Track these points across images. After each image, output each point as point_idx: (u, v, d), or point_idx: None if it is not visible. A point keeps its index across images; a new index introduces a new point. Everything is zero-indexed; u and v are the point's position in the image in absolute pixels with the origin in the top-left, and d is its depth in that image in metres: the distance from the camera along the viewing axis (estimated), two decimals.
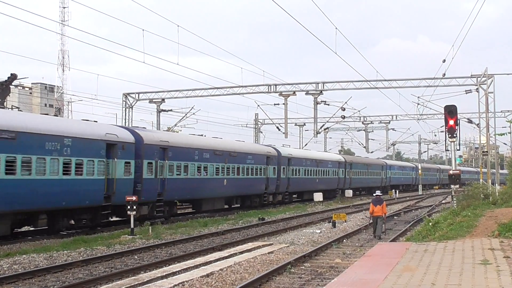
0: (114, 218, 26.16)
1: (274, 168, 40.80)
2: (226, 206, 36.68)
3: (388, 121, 62.09)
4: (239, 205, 37.83)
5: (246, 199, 38.14)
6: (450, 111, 24.83)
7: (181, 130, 49.03)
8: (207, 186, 31.35)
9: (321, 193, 44.86)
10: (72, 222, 22.81)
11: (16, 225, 21.10)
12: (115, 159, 23.76)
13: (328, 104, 44.14)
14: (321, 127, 50.39)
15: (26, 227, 22.58)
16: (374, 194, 23.34)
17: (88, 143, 22.42)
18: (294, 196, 47.19)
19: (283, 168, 42.44)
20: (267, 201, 40.23)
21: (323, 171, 50.89)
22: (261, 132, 59.93)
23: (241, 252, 17.34)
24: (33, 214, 20.56)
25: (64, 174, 21.04)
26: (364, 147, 64.93)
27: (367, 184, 64.25)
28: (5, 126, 18.75)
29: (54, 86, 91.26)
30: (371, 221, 22.76)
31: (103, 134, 23.47)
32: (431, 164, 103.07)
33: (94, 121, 26.12)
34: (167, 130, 44.53)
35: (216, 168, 32.45)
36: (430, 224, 21.16)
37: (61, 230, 22.14)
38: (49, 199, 20.61)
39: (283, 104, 40.88)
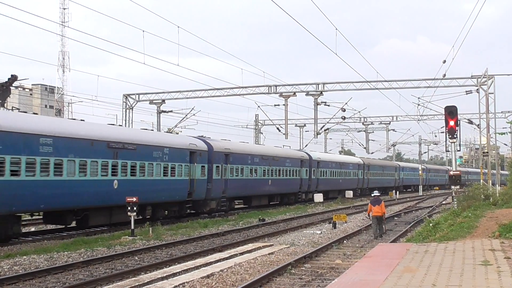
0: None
1: (306, 170, 47.04)
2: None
3: (388, 122, 62.14)
4: (278, 202, 43.40)
5: (284, 196, 44.32)
6: (451, 112, 24.82)
7: (181, 131, 49.09)
8: (257, 185, 38.78)
9: (321, 194, 44.95)
10: (166, 213, 29.20)
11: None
12: (195, 164, 30.38)
13: (329, 105, 44.18)
14: (321, 128, 50.45)
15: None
16: (372, 195, 23.51)
17: (178, 151, 29.16)
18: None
19: (313, 170, 48.70)
20: (300, 199, 46.43)
21: (346, 172, 57.22)
22: (262, 133, 59.99)
23: (242, 253, 17.34)
24: (143, 206, 26.27)
25: (164, 175, 27.60)
26: (365, 148, 64.97)
27: (383, 184, 68.80)
28: (130, 140, 25.56)
29: (55, 87, 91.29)
30: (370, 221, 22.99)
31: (187, 144, 30.32)
32: (439, 166, 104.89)
33: (176, 133, 38.13)
34: (167, 131, 44.57)
35: (263, 170, 39.35)
36: (431, 225, 21.15)
37: (159, 219, 27.90)
38: (155, 194, 27.06)
39: (283, 105, 40.92)
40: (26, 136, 19.46)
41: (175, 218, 29.30)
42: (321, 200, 44.14)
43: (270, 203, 42.02)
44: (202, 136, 34.35)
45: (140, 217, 26.48)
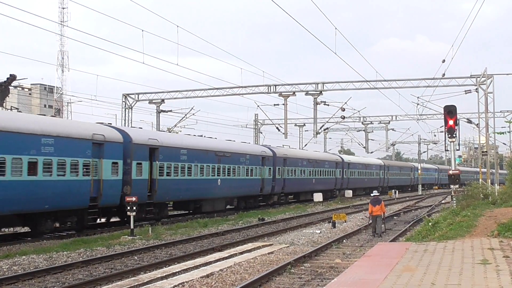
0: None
1: (340, 171, 54.11)
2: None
3: (387, 121, 62.13)
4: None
5: (324, 192, 48.22)
6: (450, 111, 24.84)
7: (180, 131, 49.08)
8: (305, 183, 46.19)
9: (321, 194, 44.96)
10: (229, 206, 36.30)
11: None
12: (265, 166, 38.87)
13: (328, 105, 44.20)
14: (320, 128, 50.44)
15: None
16: (371, 195, 24.18)
17: (255, 157, 38.31)
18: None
19: (345, 170, 55.56)
20: (335, 194, 53.33)
21: (369, 172, 63.98)
22: (261, 133, 59.99)
23: (241, 253, 17.35)
24: (232, 198, 36.18)
25: (246, 175, 36.36)
26: (364, 147, 64.98)
27: (400, 183, 75.45)
28: (227, 149, 34.72)
29: (54, 87, 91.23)
30: (370, 221, 23.42)
31: (260, 151, 39.42)
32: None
33: (248, 143, 43.17)
34: (166, 131, 44.58)
35: (309, 171, 47.67)
36: (430, 224, 21.18)
37: (241, 208, 36.28)
38: (241, 190, 36.39)
39: (283, 104, 40.93)
40: (175, 150, 28.85)
41: (251, 208, 37.13)
42: (321, 199, 44.13)
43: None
44: (268, 145, 44.05)
45: (232, 207, 36.39)
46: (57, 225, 22.34)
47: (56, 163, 20.74)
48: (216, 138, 38.46)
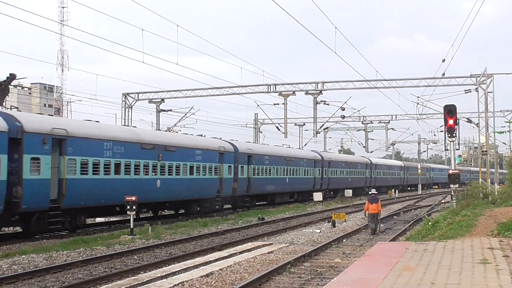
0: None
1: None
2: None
3: (387, 121, 62.15)
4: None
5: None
6: (450, 111, 24.84)
7: (180, 130, 49.06)
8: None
9: (320, 193, 44.95)
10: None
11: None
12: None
13: (328, 104, 44.21)
14: (320, 127, 50.43)
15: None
16: (369, 193, 24.87)
17: (307, 160, 46.54)
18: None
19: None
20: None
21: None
22: (261, 132, 59.99)
23: (241, 252, 17.34)
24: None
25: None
26: (364, 146, 64.98)
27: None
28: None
29: (54, 86, 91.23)
30: (365, 216, 24.22)
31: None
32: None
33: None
34: (166, 131, 44.57)
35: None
36: (430, 223, 21.18)
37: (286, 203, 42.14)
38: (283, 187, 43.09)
39: (283, 104, 40.94)
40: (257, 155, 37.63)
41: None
42: (320, 199, 44.15)
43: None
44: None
45: (265, 202, 41.36)
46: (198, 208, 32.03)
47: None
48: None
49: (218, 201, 33.54)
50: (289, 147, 48.45)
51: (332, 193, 55.60)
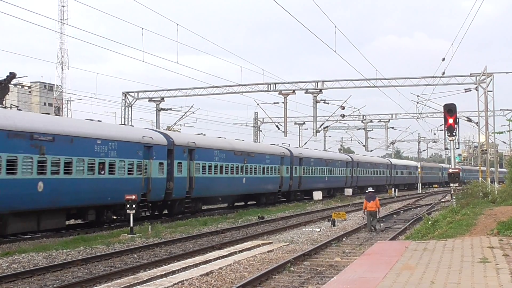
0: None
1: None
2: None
3: (387, 120, 62.08)
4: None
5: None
6: (450, 110, 24.82)
7: (180, 129, 49.04)
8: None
9: (320, 192, 44.97)
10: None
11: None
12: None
13: (328, 103, 44.14)
14: (320, 126, 50.37)
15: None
16: (367, 191, 25.25)
17: (341, 162, 52.61)
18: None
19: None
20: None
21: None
22: (261, 131, 59.97)
23: (241, 251, 17.34)
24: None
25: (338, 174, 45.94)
26: (364, 145, 64.95)
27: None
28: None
29: (53, 85, 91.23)
30: (365, 215, 24.49)
31: (345, 157, 51.21)
32: (472, 166, 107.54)
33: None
34: (166, 129, 44.55)
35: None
36: (430, 222, 21.17)
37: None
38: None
39: (283, 102, 40.89)
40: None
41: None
42: (320, 198, 44.15)
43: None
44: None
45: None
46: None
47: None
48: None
49: (279, 195, 41.60)
50: (327, 151, 56.74)
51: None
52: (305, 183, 46.64)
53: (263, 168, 39.43)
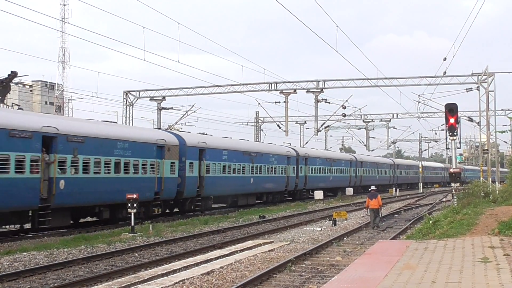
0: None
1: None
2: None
3: (388, 119, 62.04)
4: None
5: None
6: (451, 109, 24.80)
7: (181, 128, 49.05)
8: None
9: (321, 191, 44.93)
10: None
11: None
12: (352, 168, 47.99)
13: (329, 102, 44.11)
14: (321, 125, 50.35)
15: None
16: (369, 189, 26.30)
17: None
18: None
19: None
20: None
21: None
22: (262, 130, 59.97)
23: (242, 250, 17.35)
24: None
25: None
26: (365, 145, 64.95)
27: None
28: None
29: (55, 83, 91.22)
30: (367, 213, 25.55)
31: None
32: (471, 166, 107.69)
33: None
34: (167, 129, 44.55)
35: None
36: (431, 222, 21.17)
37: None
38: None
39: (284, 102, 40.87)
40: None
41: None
42: (321, 197, 44.14)
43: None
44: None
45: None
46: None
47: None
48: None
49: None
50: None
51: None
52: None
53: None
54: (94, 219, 25.81)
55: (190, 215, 29.73)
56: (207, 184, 31.41)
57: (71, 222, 23.75)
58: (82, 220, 25.34)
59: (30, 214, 20.96)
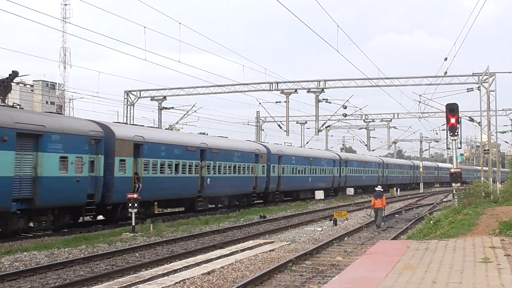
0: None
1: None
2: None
3: (389, 119, 62.06)
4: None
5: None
6: (452, 109, 24.78)
7: (182, 128, 49.07)
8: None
9: (322, 191, 44.91)
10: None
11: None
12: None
13: (330, 102, 44.14)
14: (322, 125, 50.33)
15: None
16: (376, 188, 27.40)
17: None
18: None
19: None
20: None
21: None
22: (263, 130, 59.98)
23: (242, 250, 17.35)
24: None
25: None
26: (366, 145, 64.95)
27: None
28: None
29: (56, 83, 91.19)
30: (373, 212, 26.23)
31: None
32: (469, 166, 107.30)
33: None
34: (168, 128, 44.58)
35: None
36: (431, 222, 21.17)
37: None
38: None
39: (285, 102, 40.88)
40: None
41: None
42: (322, 197, 44.13)
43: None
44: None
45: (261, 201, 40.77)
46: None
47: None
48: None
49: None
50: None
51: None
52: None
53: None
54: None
55: (190, 215, 29.70)
56: (283, 182, 41.44)
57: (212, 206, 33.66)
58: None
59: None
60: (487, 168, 37.87)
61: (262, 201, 41.01)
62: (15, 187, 19.04)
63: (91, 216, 24.57)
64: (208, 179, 31.24)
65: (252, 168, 36.99)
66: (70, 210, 22.25)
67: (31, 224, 20.81)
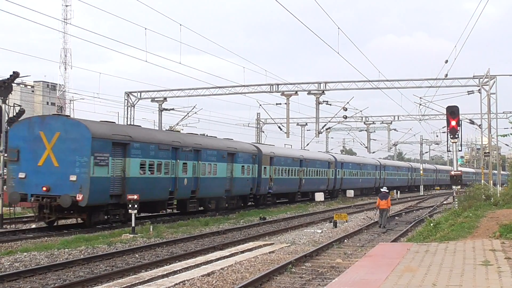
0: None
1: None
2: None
3: (390, 122, 62.13)
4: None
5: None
6: (452, 112, 24.80)
7: (182, 129, 49.07)
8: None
9: (322, 193, 44.88)
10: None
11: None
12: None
13: (330, 104, 44.21)
14: (323, 127, 50.42)
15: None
16: (381, 189, 27.97)
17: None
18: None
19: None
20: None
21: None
22: (263, 132, 60.00)
23: (242, 252, 17.34)
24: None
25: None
26: (366, 147, 64.96)
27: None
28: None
29: (56, 84, 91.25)
30: (377, 212, 27.04)
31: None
32: (468, 168, 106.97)
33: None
34: (168, 130, 44.58)
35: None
36: (432, 224, 21.15)
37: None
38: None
39: (285, 103, 40.94)
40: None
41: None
42: (322, 199, 44.14)
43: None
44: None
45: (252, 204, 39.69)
46: None
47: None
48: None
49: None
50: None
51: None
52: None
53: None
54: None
55: (190, 216, 29.63)
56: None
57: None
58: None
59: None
60: (487, 171, 37.83)
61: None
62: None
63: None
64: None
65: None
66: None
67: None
